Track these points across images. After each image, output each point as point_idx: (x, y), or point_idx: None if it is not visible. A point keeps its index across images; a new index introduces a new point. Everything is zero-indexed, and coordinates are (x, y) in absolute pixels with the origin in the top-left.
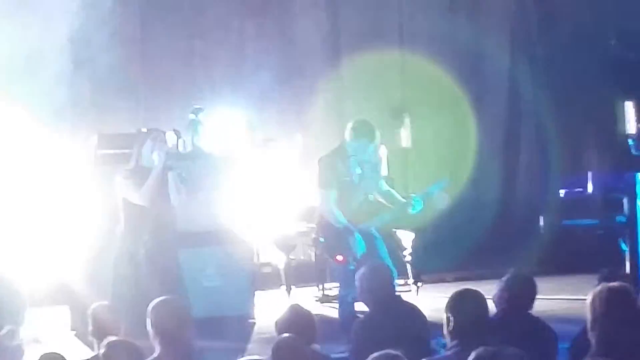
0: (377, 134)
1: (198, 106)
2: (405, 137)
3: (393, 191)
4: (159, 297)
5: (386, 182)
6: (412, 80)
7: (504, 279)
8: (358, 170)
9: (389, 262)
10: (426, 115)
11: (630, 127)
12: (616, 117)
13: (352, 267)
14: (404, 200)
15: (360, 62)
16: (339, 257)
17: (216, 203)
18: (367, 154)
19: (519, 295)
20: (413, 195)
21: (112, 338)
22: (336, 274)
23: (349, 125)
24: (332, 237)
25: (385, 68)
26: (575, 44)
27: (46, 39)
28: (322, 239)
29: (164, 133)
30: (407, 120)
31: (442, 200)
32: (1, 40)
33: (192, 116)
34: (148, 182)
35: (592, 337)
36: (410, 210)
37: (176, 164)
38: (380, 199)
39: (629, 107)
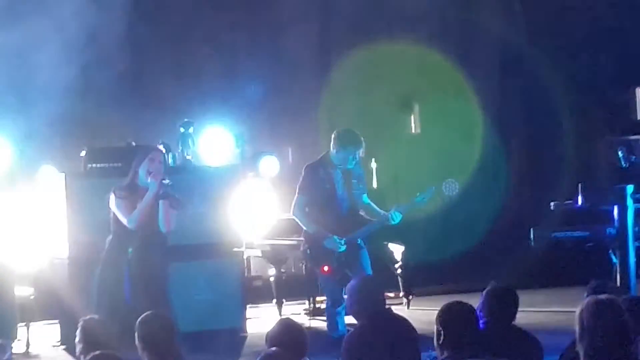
0: (362, 142)
1: (188, 120)
2: (414, 124)
3: (373, 205)
4: (142, 309)
5: (370, 195)
6: (410, 71)
7: (484, 291)
8: (342, 181)
9: (369, 273)
10: (434, 102)
11: (639, 113)
12: (612, 128)
13: (338, 278)
14: (383, 213)
15: (353, 66)
16: (325, 268)
17: (207, 217)
18: (351, 164)
19: (501, 307)
20: (393, 210)
21: (97, 352)
22: (323, 285)
23: (333, 134)
24: (317, 248)
25: (381, 65)
26: (574, 43)
27: (38, 53)
28: (308, 250)
29: (163, 153)
30: (416, 107)
31: (452, 188)
32: None
33: (182, 130)
34: (138, 208)
35: (579, 349)
36: (390, 222)
37: (170, 192)
38: (361, 212)
39: (638, 93)
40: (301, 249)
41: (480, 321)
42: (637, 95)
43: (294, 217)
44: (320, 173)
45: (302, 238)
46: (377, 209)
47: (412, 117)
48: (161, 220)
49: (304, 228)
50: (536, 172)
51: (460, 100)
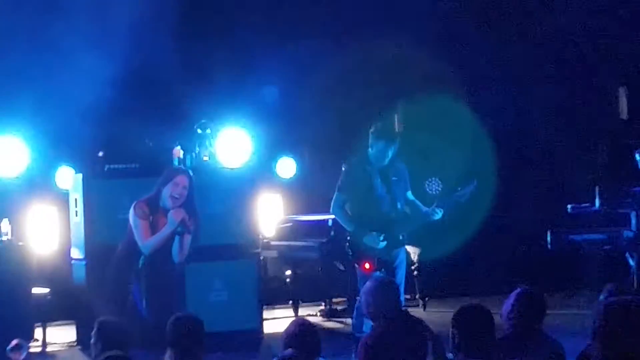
0: (396, 136)
1: (205, 121)
2: (397, 123)
3: (417, 201)
4: (154, 310)
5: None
6: (406, 69)
7: (513, 294)
8: (380, 178)
9: (402, 273)
10: (419, 101)
11: (623, 113)
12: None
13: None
14: (425, 209)
15: (365, 64)
16: (367, 265)
17: (223, 218)
18: (388, 159)
19: (530, 311)
20: (434, 206)
21: (110, 354)
22: (361, 282)
23: (370, 129)
24: (358, 245)
25: (367, 65)
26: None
27: (54, 55)
28: (349, 249)
29: (190, 178)
30: (399, 106)
31: (435, 187)
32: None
33: (199, 131)
34: (154, 239)
35: (593, 351)
36: (432, 219)
37: (187, 230)
38: (405, 209)
39: (622, 92)
40: (345, 244)
41: (507, 324)
42: (620, 94)
43: (333, 215)
44: (359, 171)
45: (323, 240)
46: (420, 205)
47: (395, 116)
48: (175, 251)
49: (344, 226)
50: (550, 174)
51: (445, 101)
